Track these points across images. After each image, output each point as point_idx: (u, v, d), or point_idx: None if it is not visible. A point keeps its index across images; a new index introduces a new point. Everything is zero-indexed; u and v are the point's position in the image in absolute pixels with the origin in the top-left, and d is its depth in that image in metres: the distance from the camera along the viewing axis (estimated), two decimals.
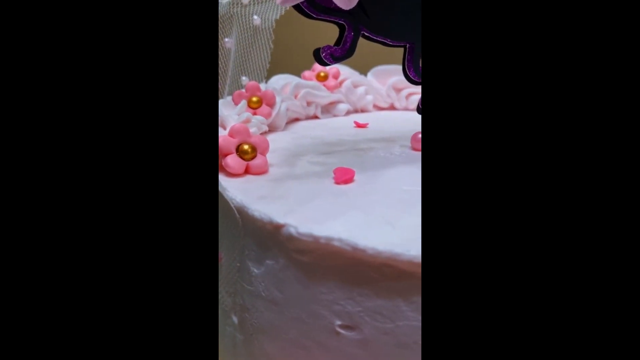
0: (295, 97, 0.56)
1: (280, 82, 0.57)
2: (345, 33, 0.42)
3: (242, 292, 0.38)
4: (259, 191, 0.38)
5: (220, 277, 0.42)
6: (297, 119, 0.56)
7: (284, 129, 0.53)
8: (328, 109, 0.58)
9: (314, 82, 0.58)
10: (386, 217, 0.35)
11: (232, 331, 0.41)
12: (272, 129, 0.51)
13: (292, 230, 0.33)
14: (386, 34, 0.44)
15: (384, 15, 0.44)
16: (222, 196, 0.38)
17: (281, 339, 0.37)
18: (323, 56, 0.42)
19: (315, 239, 0.32)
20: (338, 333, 0.34)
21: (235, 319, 0.40)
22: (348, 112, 0.60)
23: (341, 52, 0.43)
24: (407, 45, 0.45)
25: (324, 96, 0.57)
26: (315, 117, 0.58)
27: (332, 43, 0.43)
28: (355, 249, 0.31)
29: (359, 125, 0.54)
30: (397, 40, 0.45)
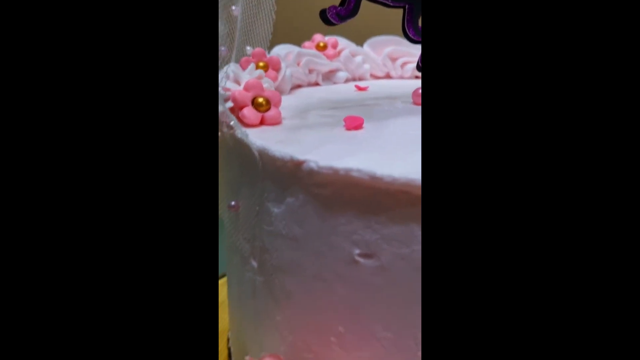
0: (298, 64, 0.58)
1: (283, 51, 0.59)
2: None
3: (262, 235, 0.41)
4: (276, 137, 0.40)
5: (237, 225, 0.44)
6: (299, 86, 0.58)
7: (289, 93, 0.55)
8: (328, 77, 0.61)
9: (315, 51, 0.61)
10: (398, 153, 0.37)
11: (252, 275, 0.43)
12: (281, 92, 0.54)
13: (313, 165, 0.35)
14: None
15: None
16: (242, 143, 0.40)
17: (301, 275, 0.39)
18: (329, 15, 0.45)
19: (335, 171, 0.35)
20: (357, 262, 0.36)
21: (254, 263, 0.42)
22: (347, 80, 0.62)
23: (346, 11, 0.46)
24: (407, 5, 0.48)
25: (324, 64, 0.60)
26: (317, 84, 0.60)
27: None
28: (374, 177, 0.34)
29: (360, 89, 0.57)
30: (397, 2, 0.48)
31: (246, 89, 0.43)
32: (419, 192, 0.33)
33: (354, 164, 0.35)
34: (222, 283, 0.68)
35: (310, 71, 0.59)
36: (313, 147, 0.38)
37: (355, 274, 0.37)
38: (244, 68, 0.52)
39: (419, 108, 0.48)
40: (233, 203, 0.43)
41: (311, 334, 0.39)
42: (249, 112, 0.42)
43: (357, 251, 0.36)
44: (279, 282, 0.41)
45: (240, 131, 0.40)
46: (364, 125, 0.42)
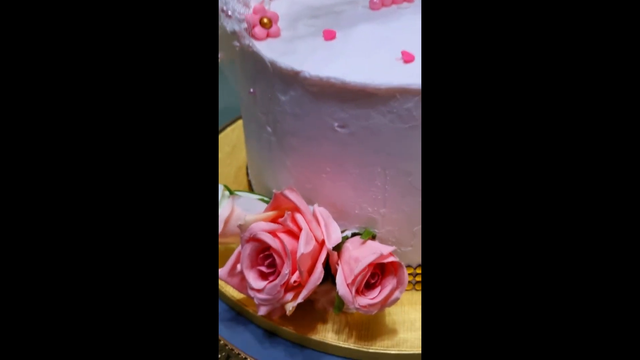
0: None
1: None
2: None
3: (274, 111, 0.63)
4: (279, 49, 0.60)
5: (256, 103, 0.66)
6: None
7: None
8: None
9: None
10: (360, 60, 0.58)
11: (267, 137, 0.66)
12: None
13: (306, 74, 0.57)
14: None
15: None
16: (256, 54, 0.60)
17: (302, 136, 0.62)
18: None
19: (320, 78, 0.56)
20: (336, 130, 0.59)
21: (269, 129, 0.65)
22: None
23: None
24: None
25: None
26: None
27: None
28: (344, 82, 0.55)
29: None
30: None
31: (254, 12, 0.62)
32: (373, 89, 0.55)
33: (331, 72, 0.56)
34: (234, 128, 0.91)
35: None
36: (304, 58, 0.59)
37: (335, 136, 0.59)
38: None
39: (376, 12, 0.68)
40: (252, 90, 0.65)
41: (309, 172, 0.63)
42: (258, 30, 0.62)
43: (335, 124, 0.58)
44: (287, 141, 0.63)
45: (254, 45, 0.61)
46: (337, 35, 0.63)
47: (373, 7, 0.68)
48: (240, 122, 0.91)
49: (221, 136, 0.93)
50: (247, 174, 0.81)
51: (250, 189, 0.79)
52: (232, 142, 0.91)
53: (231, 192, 0.67)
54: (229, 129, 0.94)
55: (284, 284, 0.57)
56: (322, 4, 0.70)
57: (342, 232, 0.62)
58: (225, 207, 0.65)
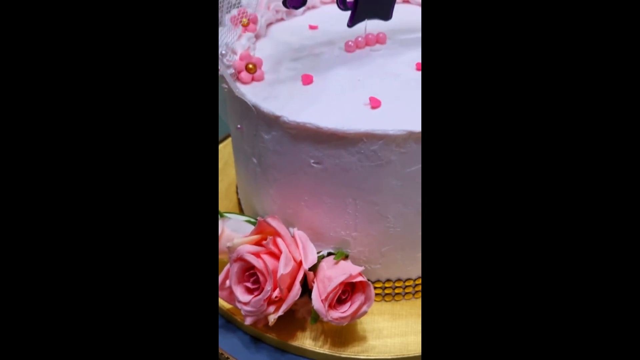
0: (268, 8, 0.83)
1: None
2: None
3: (259, 147, 0.71)
4: (262, 94, 0.69)
5: (243, 138, 0.74)
6: (270, 23, 0.85)
7: (265, 34, 0.82)
8: (290, 12, 0.87)
9: None
10: (334, 106, 0.66)
11: (253, 167, 0.74)
12: (257, 36, 0.80)
13: (285, 119, 0.65)
14: None
15: None
16: (241, 98, 0.69)
17: (283, 170, 0.70)
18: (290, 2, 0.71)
19: (297, 123, 0.64)
20: (312, 166, 0.67)
21: (255, 160, 0.73)
22: (304, 11, 0.88)
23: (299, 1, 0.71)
24: None
25: None
26: (282, 19, 0.86)
27: None
28: (317, 127, 0.63)
29: (311, 27, 0.83)
30: None
31: (241, 59, 0.70)
32: (343, 133, 0.63)
33: (307, 118, 0.64)
34: (226, 144, 0.99)
35: (277, 11, 0.85)
36: (284, 103, 0.66)
37: (312, 171, 0.67)
38: (234, 25, 0.78)
39: (351, 54, 0.76)
40: (239, 126, 0.73)
41: (290, 200, 0.72)
42: (244, 75, 0.70)
43: (312, 161, 0.67)
44: (270, 173, 0.72)
45: (239, 90, 0.69)
46: (314, 79, 0.71)
47: (348, 49, 0.76)
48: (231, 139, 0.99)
49: None
50: (237, 192, 0.90)
51: (239, 206, 0.87)
52: (224, 158, 0.99)
53: (221, 215, 0.76)
54: (221, 146, 1.02)
55: (266, 298, 0.66)
56: (302, 44, 0.78)
57: (319, 252, 0.71)
58: None
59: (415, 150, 0.63)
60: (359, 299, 0.67)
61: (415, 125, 0.61)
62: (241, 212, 0.86)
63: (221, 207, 0.85)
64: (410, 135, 0.62)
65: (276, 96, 0.68)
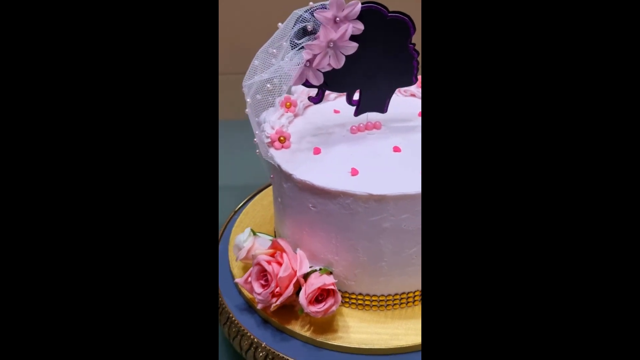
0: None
1: (299, 88, 1.20)
2: (319, 91, 1.06)
3: (281, 192, 1.05)
4: (285, 158, 1.03)
5: (273, 183, 1.09)
6: (309, 105, 1.20)
7: (302, 113, 1.18)
8: (326, 97, 1.21)
9: None
10: (330, 169, 1.01)
11: (278, 204, 1.08)
12: (296, 115, 1.16)
13: (295, 176, 0.99)
14: (340, 89, 1.07)
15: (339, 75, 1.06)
16: (272, 162, 1.04)
17: (293, 209, 1.04)
18: (311, 99, 1.06)
19: (303, 180, 0.98)
20: (310, 209, 1.00)
21: (279, 200, 1.08)
22: (336, 97, 1.22)
23: (317, 99, 1.07)
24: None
25: None
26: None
27: None
28: (313, 184, 0.98)
29: (335, 111, 1.18)
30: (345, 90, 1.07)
31: (276, 132, 1.07)
32: (328, 190, 0.97)
33: (308, 178, 0.98)
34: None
35: None
36: (297, 166, 1.01)
37: (310, 212, 0.99)
38: (281, 107, 1.14)
39: (353, 135, 1.10)
40: (272, 176, 1.09)
41: (297, 230, 1.03)
42: (277, 144, 1.06)
43: (310, 205, 1.00)
44: (287, 210, 1.06)
45: (270, 154, 1.05)
46: (321, 151, 1.05)
47: (352, 131, 1.10)
48: None
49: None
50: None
51: (274, 230, 1.24)
52: (270, 197, 1.35)
53: (255, 234, 1.12)
54: (269, 188, 1.39)
55: (271, 292, 1.01)
56: (323, 124, 1.12)
57: (311, 267, 1.05)
58: (248, 242, 1.10)
59: (376, 206, 0.96)
60: (330, 301, 1.00)
61: (376, 190, 0.94)
62: (274, 234, 1.22)
63: (264, 230, 1.20)
64: (370, 196, 0.95)
65: (293, 160, 1.03)
